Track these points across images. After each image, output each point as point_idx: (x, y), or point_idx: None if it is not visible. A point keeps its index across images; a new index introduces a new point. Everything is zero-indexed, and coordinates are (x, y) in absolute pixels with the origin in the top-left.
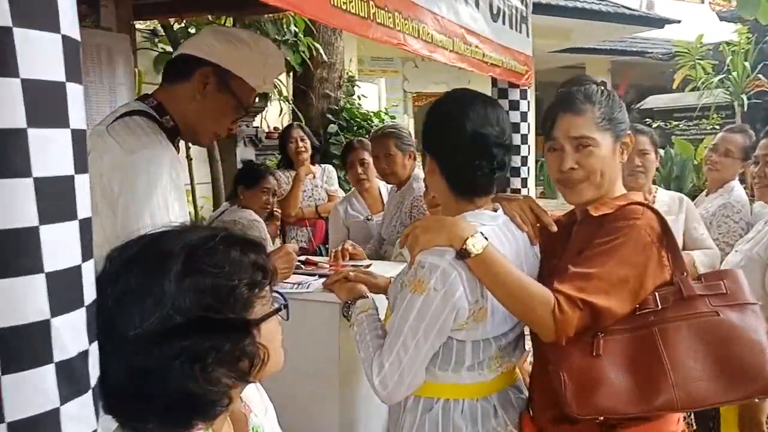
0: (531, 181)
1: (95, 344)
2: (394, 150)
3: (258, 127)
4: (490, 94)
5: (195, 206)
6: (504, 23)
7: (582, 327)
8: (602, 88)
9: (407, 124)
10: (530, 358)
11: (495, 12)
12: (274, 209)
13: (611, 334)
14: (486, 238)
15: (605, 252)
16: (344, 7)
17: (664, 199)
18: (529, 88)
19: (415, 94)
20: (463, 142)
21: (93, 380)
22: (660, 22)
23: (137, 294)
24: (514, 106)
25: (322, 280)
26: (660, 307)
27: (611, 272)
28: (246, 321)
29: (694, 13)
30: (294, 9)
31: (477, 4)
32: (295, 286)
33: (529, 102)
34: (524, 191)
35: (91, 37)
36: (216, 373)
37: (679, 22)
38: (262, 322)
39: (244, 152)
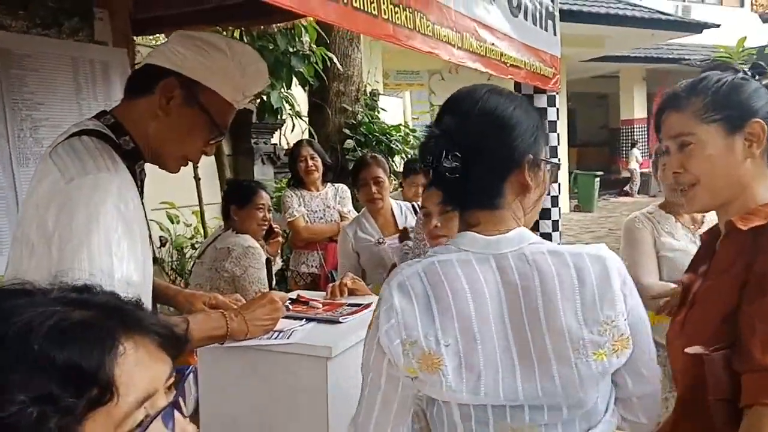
0: (563, 199)
1: None
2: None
3: (276, 144)
4: None
5: (204, 228)
6: (527, 18)
7: None
8: (723, 74)
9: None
10: None
11: (515, 5)
12: (273, 225)
13: None
14: None
15: None
16: None
17: None
18: (557, 93)
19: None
20: None
21: None
22: (698, 27)
23: None
24: (542, 114)
25: (310, 325)
26: None
27: None
28: None
29: (734, 17)
30: None
31: None
32: (274, 335)
33: (557, 109)
34: (555, 210)
35: (84, 52)
36: None
37: (718, 26)
38: None
39: (262, 170)
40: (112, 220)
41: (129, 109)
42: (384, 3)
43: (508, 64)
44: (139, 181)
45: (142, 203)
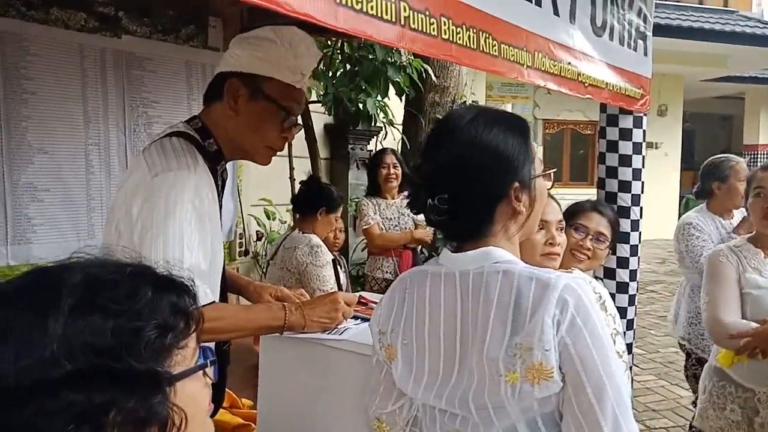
0: (670, 224)
1: None
2: None
3: (372, 150)
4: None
5: None
6: (612, 39)
7: None
8: None
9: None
10: None
11: (599, 25)
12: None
13: None
14: None
15: None
16: (357, 6)
17: None
18: (645, 115)
19: (546, 121)
20: None
21: None
22: None
23: (13, 332)
24: (626, 135)
25: (363, 325)
26: None
27: None
28: (156, 373)
29: None
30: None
31: (572, 16)
32: (328, 331)
33: (644, 131)
34: (634, 235)
35: (197, 56)
36: None
37: None
38: (181, 378)
39: (356, 175)
40: (187, 213)
41: (209, 115)
42: (444, 24)
43: (586, 84)
44: (221, 180)
45: (220, 201)
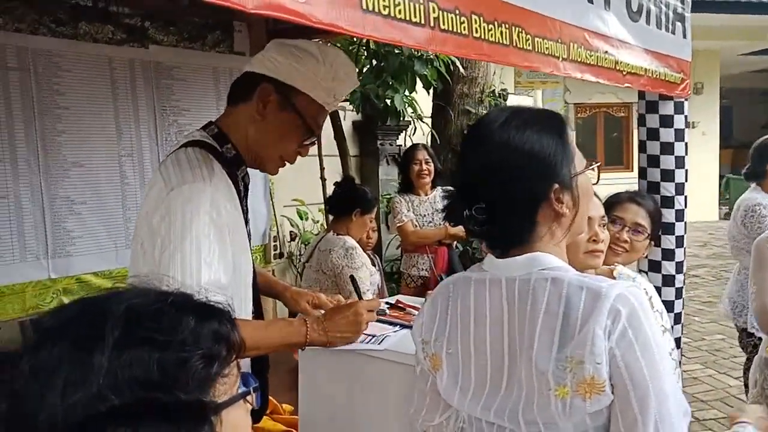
0: (711, 206)
1: None
2: None
3: (401, 145)
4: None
5: (328, 225)
6: (649, 23)
7: None
8: None
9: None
10: None
11: (635, 10)
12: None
13: None
14: None
15: None
16: (382, 11)
17: None
18: (686, 99)
19: (577, 105)
20: None
21: None
22: None
23: (58, 368)
24: (667, 122)
25: (402, 332)
26: None
27: None
28: (202, 404)
29: None
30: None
31: (606, 1)
32: (368, 339)
33: (686, 116)
34: (679, 225)
35: (223, 62)
36: None
37: None
38: (225, 407)
39: (386, 171)
40: (204, 227)
41: (231, 117)
42: (476, 22)
43: (624, 73)
44: (242, 184)
45: (244, 206)
